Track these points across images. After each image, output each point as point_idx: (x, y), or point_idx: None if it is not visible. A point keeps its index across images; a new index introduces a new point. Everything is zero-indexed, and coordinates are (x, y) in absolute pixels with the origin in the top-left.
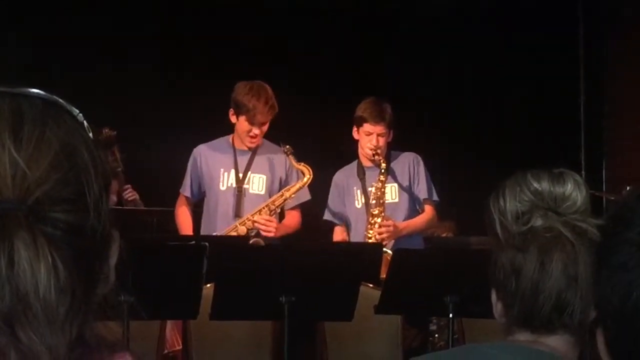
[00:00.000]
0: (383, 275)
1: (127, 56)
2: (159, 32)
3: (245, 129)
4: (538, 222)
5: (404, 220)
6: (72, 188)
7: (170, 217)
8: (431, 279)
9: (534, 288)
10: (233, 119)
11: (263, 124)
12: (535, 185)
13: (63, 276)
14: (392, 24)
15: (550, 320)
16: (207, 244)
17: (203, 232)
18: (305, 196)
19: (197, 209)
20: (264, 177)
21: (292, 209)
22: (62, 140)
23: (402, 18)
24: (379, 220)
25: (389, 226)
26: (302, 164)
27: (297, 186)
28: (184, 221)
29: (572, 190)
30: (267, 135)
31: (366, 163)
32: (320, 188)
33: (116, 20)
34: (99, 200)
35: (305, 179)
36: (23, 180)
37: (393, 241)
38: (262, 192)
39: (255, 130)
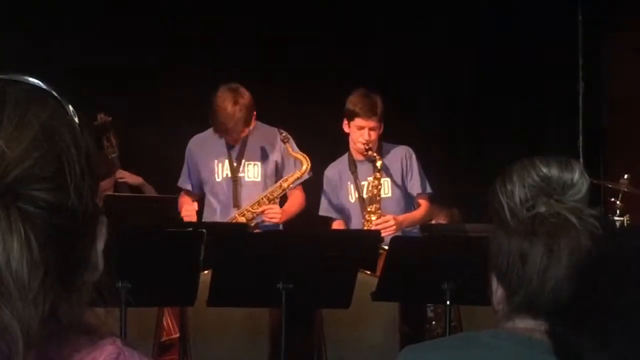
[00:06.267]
0: (378, 273)
1: (127, 41)
2: (159, 19)
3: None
4: (542, 208)
5: (399, 214)
6: (52, 167)
7: (170, 204)
8: (428, 266)
9: (542, 274)
10: None
11: (239, 133)
12: (545, 170)
13: (36, 251)
14: (386, 10)
15: (555, 306)
16: (204, 230)
17: None
18: (303, 176)
19: (201, 201)
20: (259, 164)
21: (294, 188)
22: (43, 122)
23: (395, 4)
24: (374, 218)
25: (387, 221)
26: (299, 152)
27: (295, 176)
28: (187, 213)
29: (579, 178)
30: (262, 119)
31: (357, 156)
32: (311, 180)
33: (115, 6)
34: (81, 181)
35: (304, 168)
36: (2, 159)
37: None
38: (258, 179)
39: (233, 139)
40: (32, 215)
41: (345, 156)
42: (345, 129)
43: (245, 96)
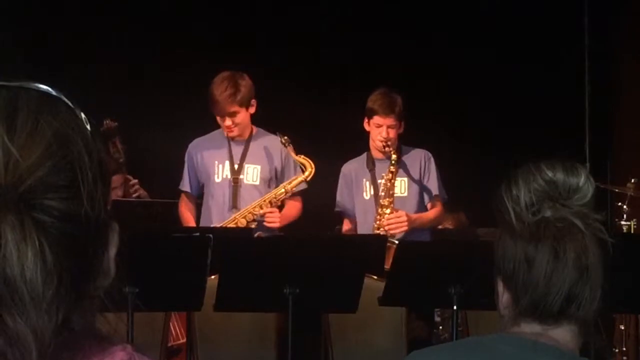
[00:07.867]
0: (387, 266)
1: (128, 46)
2: (160, 20)
3: (218, 120)
4: (547, 212)
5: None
6: (65, 176)
7: (173, 209)
8: (435, 271)
9: (548, 278)
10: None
11: (231, 114)
12: (550, 174)
13: (50, 260)
14: (402, 16)
15: (560, 310)
16: (211, 235)
17: (201, 225)
18: (302, 185)
19: (200, 202)
20: (259, 167)
21: (291, 198)
22: (55, 129)
23: (412, 8)
24: (387, 211)
25: (399, 217)
26: (303, 156)
27: (299, 179)
28: (187, 217)
29: (585, 183)
30: (264, 125)
31: (377, 155)
32: (327, 180)
33: (116, 12)
34: (93, 189)
35: (307, 172)
36: (15, 168)
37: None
38: (257, 183)
39: (227, 122)
40: (46, 225)
41: (364, 154)
42: (366, 127)
43: (245, 77)
